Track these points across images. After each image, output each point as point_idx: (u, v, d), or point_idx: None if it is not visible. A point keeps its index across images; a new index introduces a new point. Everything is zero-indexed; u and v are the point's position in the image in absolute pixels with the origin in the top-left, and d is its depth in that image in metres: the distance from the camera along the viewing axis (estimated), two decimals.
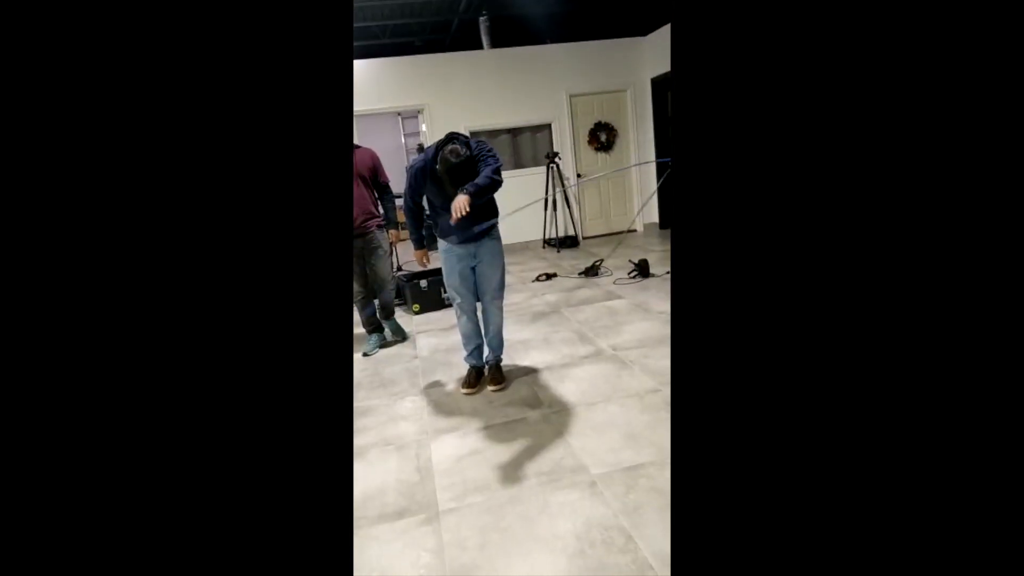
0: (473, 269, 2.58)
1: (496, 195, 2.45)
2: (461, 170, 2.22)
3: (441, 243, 2.58)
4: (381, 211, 3.41)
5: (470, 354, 2.76)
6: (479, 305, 2.70)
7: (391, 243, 3.47)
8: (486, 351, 2.80)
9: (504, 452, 2.12)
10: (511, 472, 1.97)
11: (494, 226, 2.55)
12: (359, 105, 6.01)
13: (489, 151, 2.40)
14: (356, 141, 6.04)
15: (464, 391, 2.68)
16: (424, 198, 2.55)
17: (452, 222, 2.26)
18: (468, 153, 2.24)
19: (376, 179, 3.39)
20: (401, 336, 3.61)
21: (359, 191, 3.25)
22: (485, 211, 2.49)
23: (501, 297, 2.66)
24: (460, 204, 2.18)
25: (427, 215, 2.67)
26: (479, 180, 2.25)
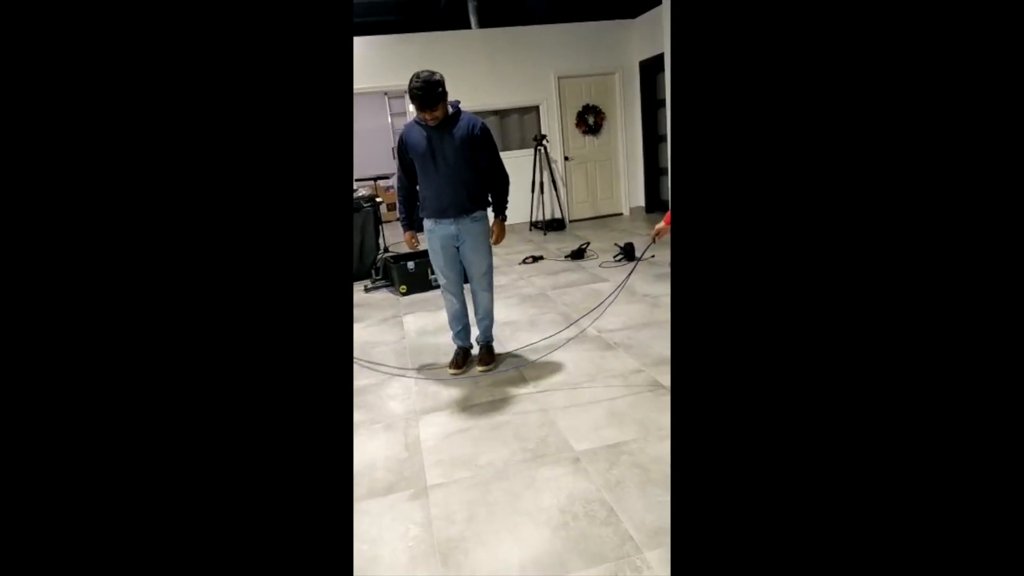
0: (458, 250, 2.60)
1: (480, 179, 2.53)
2: (425, 87, 2.26)
3: (426, 223, 2.59)
4: None
5: (456, 335, 2.79)
6: (467, 287, 2.73)
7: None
8: (475, 332, 2.84)
9: (490, 430, 2.17)
10: (497, 449, 2.02)
11: (480, 203, 2.57)
12: None
13: (487, 133, 2.47)
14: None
15: (451, 371, 2.72)
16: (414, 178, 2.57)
17: (494, 242, 2.65)
18: (432, 77, 2.28)
19: None
20: None
21: None
22: (474, 198, 2.52)
23: (489, 278, 2.69)
24: (499, 234, 2.64)
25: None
26: (505, 197, 2.61)
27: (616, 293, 3.16)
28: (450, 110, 2.40)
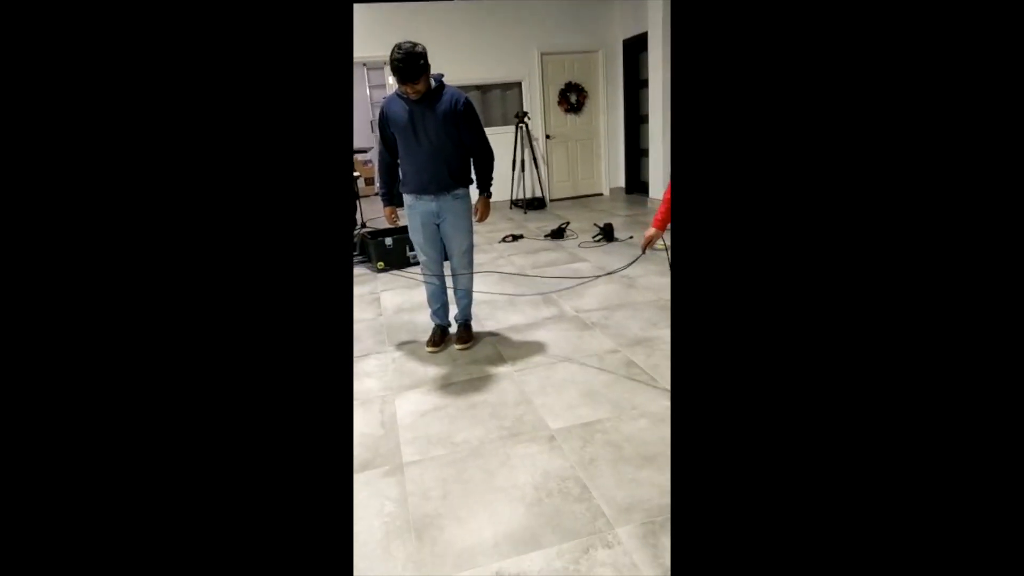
0: (439, 227, 2.58)
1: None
2: (407, 59, 2.21)
3: (406, 198, 2.56)
4: None
5: (435, 313, 2.78)
6: (446, 265, 2.71)
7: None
8: (453, 310, 2.83)
9: (467, 408, 2.18)
10: (473, 427, 2.04)
11: (461, 181, 2.54)
12: None
13: (470, 108, 2.43)
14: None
15: (429, 349, 2.72)
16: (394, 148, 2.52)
17: (478, 220, 2.64)
18: (413, 48, 2.22)
19: None
20: None
21: None
22: (456, 175, 2.48)
23: (470, 256, 2.67)
24: (484, 212, 2.63)
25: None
26: (489, 173, 2.58)
27: (624, 268, 3.10)
28: (433, 84, 2.35)
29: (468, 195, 2.57)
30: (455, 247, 2.61)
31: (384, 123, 2.46)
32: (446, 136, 2.39)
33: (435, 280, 2.69)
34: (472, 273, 2.73)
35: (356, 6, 5.95)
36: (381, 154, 2.57)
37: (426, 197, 2.49)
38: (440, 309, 2.78)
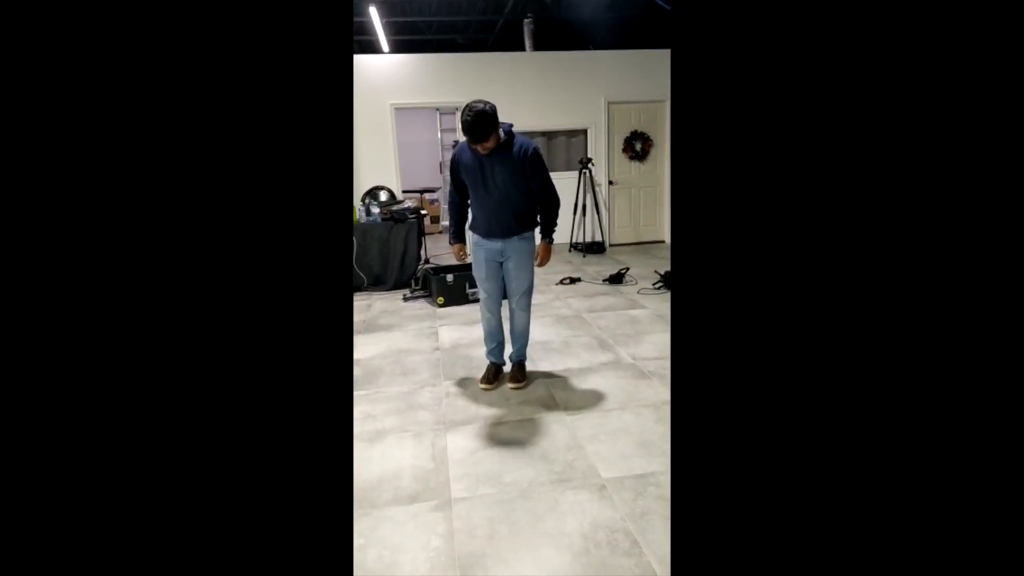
0: (502, 265, 2.63)
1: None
2: (477, 119, 2.28)
3: (470, 236, 2.64)
4: None
5: (491, 351, 2.81)
6: (505, 303, 2.76)
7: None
8: (508, 349, 2.86)
9: (518, 449, 2.17)
10: (523, 469, 2.02)
11: (527, 224, 2.59)
12: (398, 98, 6.11)
13: (538, 157, 2.48)
14: (392, 133, 6.18)
15: (482, 386, 2.74)
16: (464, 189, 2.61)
17: (538, 264, 2.64)
18: (483, 110, 2.28)
19: None
20: None
21: None
22: (522, 221, 2.55)
23: (529, 297, 2.70)
24: (544, 256, 2.63)
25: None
26: (554, 220, 2.59)
27: None
28: (502, 136, 2.42)
29: (533, 237, 2.63)
30: (515, 286, 2.65)
31: (455, 170, 2.57)
32: (514, 186, 2.46)
33: (492, 319, 2.73)
34: (529, 314, 2.75)
35: (432, 55, 6.32)
36: (451, 195, 2.68)
37: (493, 239, 2.57)
38: (496, 348, 2.80)
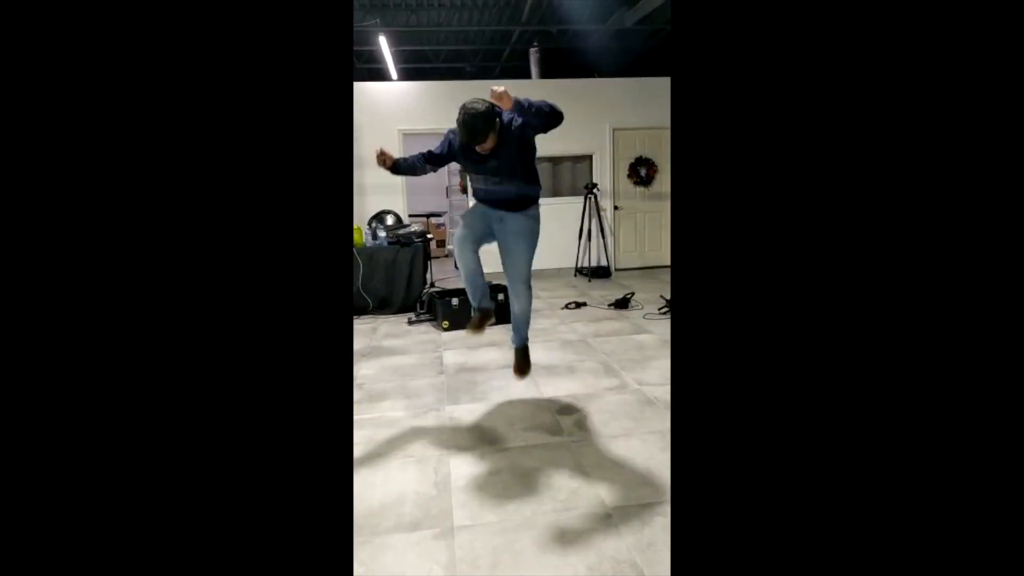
0: (495, 232, 2.41)
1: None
2: (474, 122, 2.08)
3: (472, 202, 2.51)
4: None
5: (477, 301, 2.53)
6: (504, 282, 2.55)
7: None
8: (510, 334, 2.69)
9: (521, 476, 2.13)
10: (527, 496, 1.99)
11: (532, 202, 2.39)
12: (406, 124, 6.21)
13: (538, 104, 2.10)
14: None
15: (469, 331, 2.54)
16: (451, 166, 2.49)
17: (491, 97, 2.01)
18: (478, 109, 2.07)
19: None
20: None
21: None
22: (526, 200, 2.34)
23: (528, 289, 2.49)
24: (500, 89, 1.98)
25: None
26: (533, 99, 2.06)
27: None
28: (498, 125, 2.17)
29: (538, 216, 2.44)
30: (513, 271, 2.43)
31: (450, 149, 2.35)
32: (519, 163, 2.30)
33: (470, 263, 2.41)
34: (530, 304, 2.55)
35: (440, 82, 6.43)
36: (419, 159, 2.42)
37: (495, 209, 2.40)
38: (483, 299, 2.52)
